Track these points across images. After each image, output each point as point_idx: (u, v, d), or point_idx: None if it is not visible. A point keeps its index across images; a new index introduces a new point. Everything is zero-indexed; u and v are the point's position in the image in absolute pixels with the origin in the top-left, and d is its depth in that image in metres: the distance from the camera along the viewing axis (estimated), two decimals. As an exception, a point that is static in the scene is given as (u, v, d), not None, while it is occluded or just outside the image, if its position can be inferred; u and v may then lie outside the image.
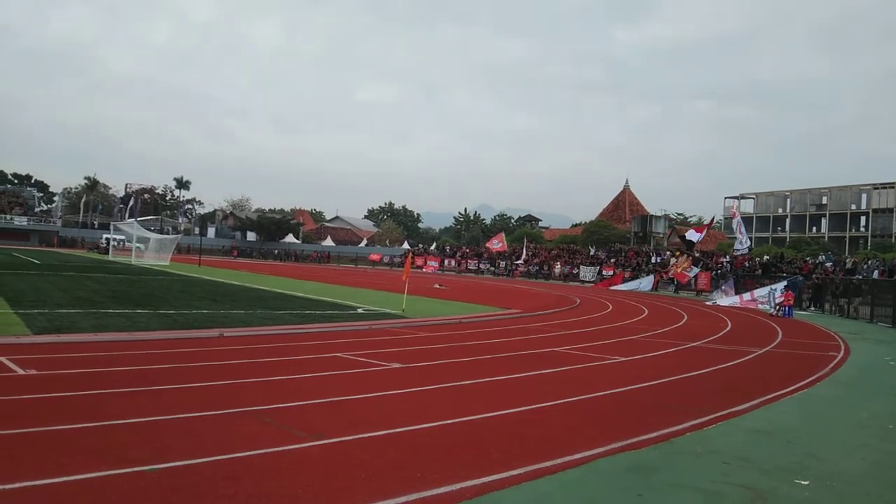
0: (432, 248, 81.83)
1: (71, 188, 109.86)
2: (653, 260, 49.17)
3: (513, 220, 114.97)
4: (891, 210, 73.85)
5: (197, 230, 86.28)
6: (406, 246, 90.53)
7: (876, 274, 32.34)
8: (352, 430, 5.71)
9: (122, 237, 59.42)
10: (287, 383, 7.80)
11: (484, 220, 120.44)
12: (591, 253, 58.01)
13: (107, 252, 54.96)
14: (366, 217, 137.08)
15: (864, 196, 78.63)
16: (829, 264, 38.29)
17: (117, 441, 5.10)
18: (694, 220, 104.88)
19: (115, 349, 9.44)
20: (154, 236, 48.60)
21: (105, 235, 65.08)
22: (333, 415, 6.39)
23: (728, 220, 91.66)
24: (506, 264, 59.05)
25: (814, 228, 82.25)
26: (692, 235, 41.17)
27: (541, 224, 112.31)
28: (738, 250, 37.23)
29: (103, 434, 5.28)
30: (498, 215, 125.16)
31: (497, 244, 57.52)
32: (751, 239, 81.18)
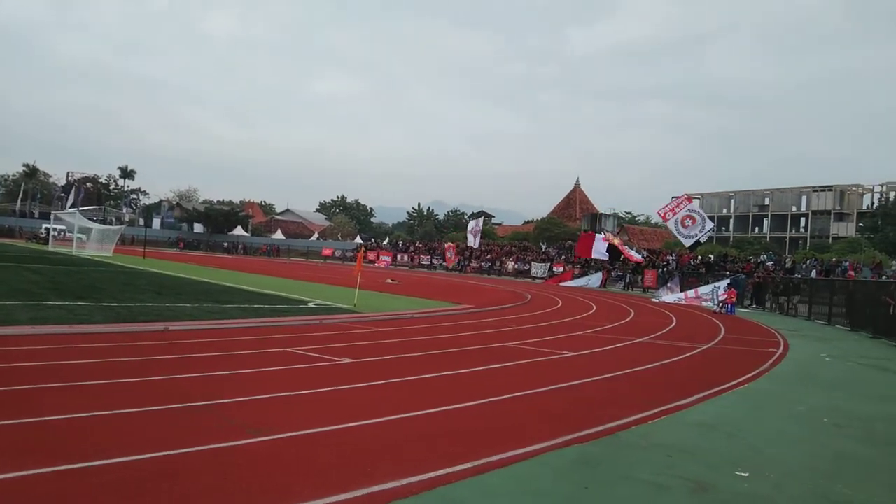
0: (385, 242, 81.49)
1: (8, 175, 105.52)
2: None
3: (466, 216, 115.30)
4: (828, 212, 76.63)
5: (141, 221, 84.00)
6: (359, 240, 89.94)
7: (814, 273, 33.57)
8: (300, 426, 5.64)
9: (63, 227, 57.34)
10: (234, 378, 7.66)
11: (437, 215, 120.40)
12: (543, 250, 58.65)
13: (46, 242, 53.06)
14: (317, 210, 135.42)
15: (803, 198, 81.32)
16: (770, 263, 39.55)
17: (55, 437, 4.93)
18: (642, 218, 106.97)
19: (54, 342, 9.11)
20: (96, 226, 47.07)
21: (45, 225, 62.72)
22: (281, 410, 6.30)
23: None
24: (458, 261, 59.20)
25: (756, 228, 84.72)
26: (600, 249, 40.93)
27: (494, 220, 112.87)
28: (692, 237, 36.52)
29: (40, 430, 5.09)
30: (451, 211, 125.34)
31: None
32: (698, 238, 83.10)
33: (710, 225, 36.94)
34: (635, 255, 41.76)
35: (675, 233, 36.38)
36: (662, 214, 36.69)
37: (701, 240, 36.71)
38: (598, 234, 42.82)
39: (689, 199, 38.45)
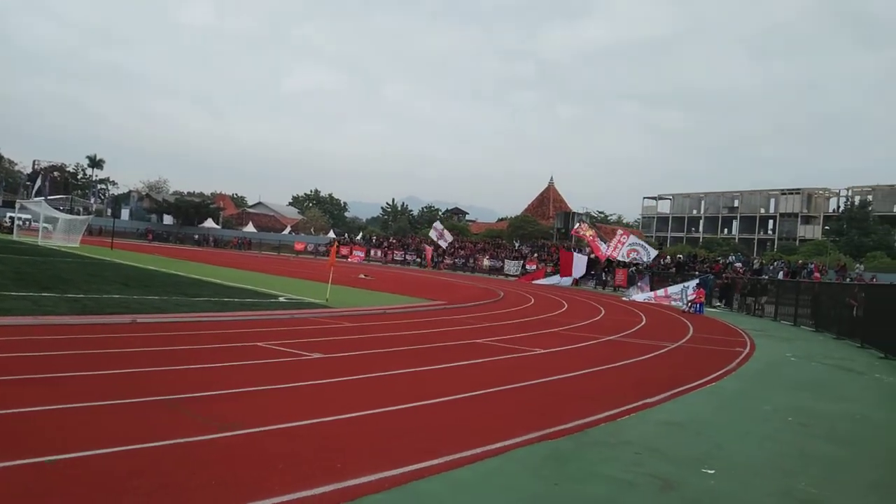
0: (358, 237, 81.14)
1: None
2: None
3: (440, 213, 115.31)
4: (796, 215, 78.08)
5: (110, 211, 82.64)
6: (332, 235, 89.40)
7: (781, 275, 34.22)
8: (270, 421, 5.59)
9: (29, 216, 56.14)
10: (203, 372, 7.56)
11: (411, 211, 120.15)
12: (516, 247, 58.87)
13: (11, 231, 51.95)
14: (290, 204, 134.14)
15: (772, 200, 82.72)
16: (738, 264, 40.22)
17: (18, 431, 4.82)
18: (614, 218, 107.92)
19: (17, 334, 8.90)
20: (63, 216, 46.15)
21: (9, 214, 61.36)
22: (251, 405, 6.23)
23: (647, 218, 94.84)
24: (433, 256, 59.18)
25: (725, 230, 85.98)
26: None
27: (467, 217, 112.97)
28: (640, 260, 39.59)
29: (2, 424, 4.97)
30: (425, 207, 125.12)
31: (440, 239, 58.41)
32: (666, 239, 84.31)
33: (652, 252, 40.32)
34: (602, 251, 42.59)
35: (631, 258, 39.63)
36: (612, 255, 40.11)
37: (647, 260, 39.69)
38: (575, 253, 45.59)
39: (626, 232, 42.19)
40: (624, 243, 39.39)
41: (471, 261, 55.94)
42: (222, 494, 3.94)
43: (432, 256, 58.27)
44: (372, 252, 64.60)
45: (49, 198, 58.75)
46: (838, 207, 77.09)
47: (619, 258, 39.61)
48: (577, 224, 46.60)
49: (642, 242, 41.68)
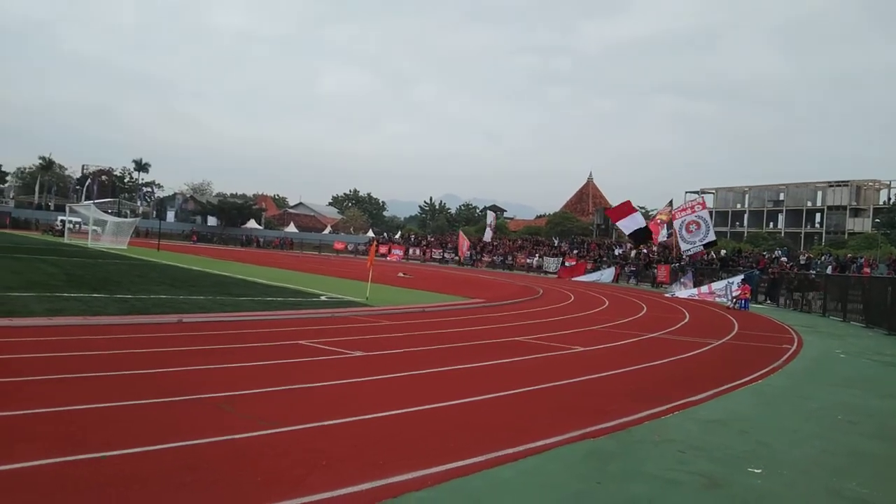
0: (397, 236, 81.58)
1: (25, 168, 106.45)
2: (615, 252, 49.80)
3: (478, 210, 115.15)
4: (844, 207, 75.86)
5: (156, 214, 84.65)
6: (371, 234, 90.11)
7: (829, 269, 33.29)
8: (313, 418, 5.68)
9: (79, 220, 57.80)
10: (247, 370, 7.71)
11: (449, 209, 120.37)
12: (556, 244, 58.50)
13: (62, 234, 53.58)
14: (330, 204, 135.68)
15: (819, 193, 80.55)
16: (784, 259, 39.24)
17: (72, 427, 4.99)
18: (654, 213, 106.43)
19: (69, 334, 9.21)
20: (111, 219, 47.48)
21: (60, 217, 63.29)
22: (295, 402, 6.34)
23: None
24: (470, 254, 59.16)
25: (771, 224, 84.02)
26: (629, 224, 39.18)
27: (506, 214, 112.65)
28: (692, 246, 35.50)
29: (57, 420, 5.16)
30: (463, 205, 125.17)
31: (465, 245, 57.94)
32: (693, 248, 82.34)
33: (712, 236, 35.52)
34: (660, 233, 39.79)
35: (678, 236, 35.59)
36: (673, 214, 36.00)
37: (693, 249, 35.81)
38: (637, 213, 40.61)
39: (704, 203, 36.80)
40: (694, 211, 34.63)
41: (509, 258, 55.75)
42: (270, 491, 4.02)
43: (470, 254, 58.23)
44: (410, 251, 64.87)
45: (97, 201, 60.40)
46: (889, 199, 74.65)
47: (676, 225, 34.95)
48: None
49: (709, 221, 36.08)
